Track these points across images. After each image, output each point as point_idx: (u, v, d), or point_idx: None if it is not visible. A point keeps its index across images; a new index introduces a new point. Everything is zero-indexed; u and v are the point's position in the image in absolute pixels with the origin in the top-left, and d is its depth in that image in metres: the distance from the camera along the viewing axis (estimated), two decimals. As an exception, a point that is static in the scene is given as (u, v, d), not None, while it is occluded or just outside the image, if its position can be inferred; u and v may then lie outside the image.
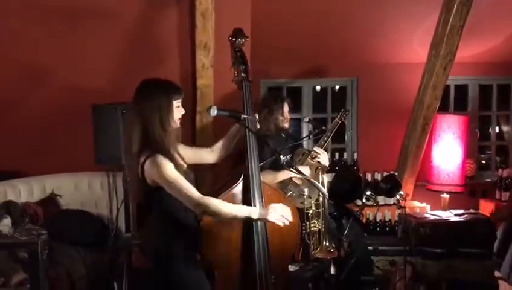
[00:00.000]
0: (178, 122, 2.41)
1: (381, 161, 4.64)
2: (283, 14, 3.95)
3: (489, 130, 5.26)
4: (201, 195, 2.25)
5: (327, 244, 3.04)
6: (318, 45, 4.33)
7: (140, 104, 2.33)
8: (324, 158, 3.33)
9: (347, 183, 1.99)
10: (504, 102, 5.04)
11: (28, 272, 2.50)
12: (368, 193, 2.15)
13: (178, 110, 2.38)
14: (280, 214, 2.34)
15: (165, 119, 2.31)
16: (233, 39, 2.67)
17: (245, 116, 2.43)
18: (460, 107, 4.93)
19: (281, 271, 2.57)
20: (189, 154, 2.54)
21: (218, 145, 2.65)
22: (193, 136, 3.91)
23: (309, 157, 3.30)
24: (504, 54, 4.60)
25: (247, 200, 2.45)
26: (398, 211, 3.39)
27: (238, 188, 2.50)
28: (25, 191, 3.92)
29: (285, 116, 3.43)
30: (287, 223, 2.35)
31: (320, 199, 3.13)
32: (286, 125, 3.46)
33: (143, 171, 2.30)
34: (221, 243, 2.44)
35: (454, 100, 4.88)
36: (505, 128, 5.26)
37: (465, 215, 4.00)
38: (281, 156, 2.21)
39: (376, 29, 4.23)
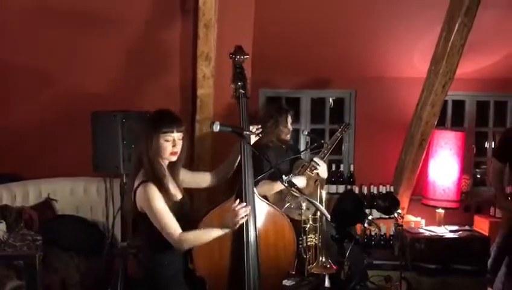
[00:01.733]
0: (171, 157, 2.36)
1: (377, 174, 4.65)
2: (284, 25, 3.96)
3: (485, 146, 5.30)
4: (180, 232, 2.28)
5: (323, 260, 3.03)
6: (317, 56, 4.34)
7: (139, 132, 2.42)
8: (323, 170, 3.34)
9: (350, 206, 2.00)
10: (500, 118, 5.07)
11: (25, 283, 2.49)
12: (370, 217, 2.16)
13: (167, 144, 2.33)
14: (235, 214, 2.28)
15: (149, 151, 2.31)
16: (234, 56, 2.69)
17: (247, 132, 2.44)
18: (456, 122, 4.96)
19: (274, 288, 2.57)
20: (188, 177, 2.56)
21: (220, 168, 2.67)
22: (192, 145, 3.91)
23: (308, 169, 3.31)
24: (502, 71, 4.64)
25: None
26: (393, 228, 3.39)
27: (229, 204, 2.47)
28: (20, 195, 3.90)
29: (289, 127, 3.44)
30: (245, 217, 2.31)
31: (318, 213, 3.13)
32: (288, 137, 3.47)
33: (135, 195, 2.34)
34: (212, 258, 2.45)
35: (451, 115, 4.91)
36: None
37: (460, 232, 4.03)
38: (283, 176, 2.21)
39: (375, 43, 4.26)
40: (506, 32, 4.17)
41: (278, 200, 3.30)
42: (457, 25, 3.53)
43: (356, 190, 4.50)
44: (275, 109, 3.51)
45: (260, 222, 2.53)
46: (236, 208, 2.26)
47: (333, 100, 4.86)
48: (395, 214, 2.76)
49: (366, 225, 2.21)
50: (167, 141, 2.32)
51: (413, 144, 4.19)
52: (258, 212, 2.53)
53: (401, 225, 2.87)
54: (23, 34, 3.56)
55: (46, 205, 3.95)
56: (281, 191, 3.34)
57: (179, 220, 2.31)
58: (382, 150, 4.67)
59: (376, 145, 4.65)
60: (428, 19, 3.96)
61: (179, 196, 2.42)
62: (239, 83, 2.62)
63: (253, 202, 2.50)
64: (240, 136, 2.42)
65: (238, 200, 2.35)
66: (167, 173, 2.39)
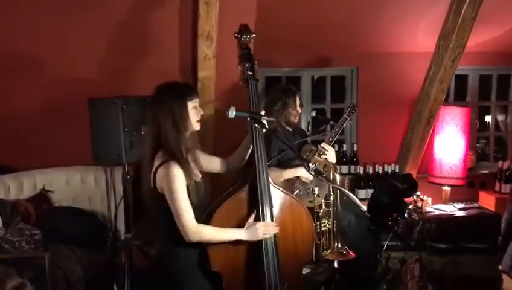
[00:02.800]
0: (197, 125, 2.30)
1: (381, 153, 4.56)
2: (286, 3, 3.78)
3: (485, 120, 5.24)
4: (196, 224, 2.19)
5: (339, 245, 2.94)
6: (318, 34, 4.17)
7: (153, 110, 2.25)
8: (332, 155, 3.23)
9: (386, 197, 1.88)
10: (502, 92, 4.99)
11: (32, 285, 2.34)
12: (410, 207, 2.04)
13: (195, 112, 2.28)
14: (267, 230, 2.27)
15: (179, 121, 2.21)
16: (239, 36, 2.53)
17: (265, 117, 2.29)
18: (458, 97, 4.87)
19: (295, 278, 2.47)
20: (203, 160, 2.42)
21: (234, 156, 2.53)
22: (193, 130, 3.75)
23: (316, 154, 3.19)
24: (506, 45, 4.53)
25: (254, 206, 2.33)
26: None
27: (243, 194, 2.38)
28: (14, 187, 3.72)
29: (297, 109, 3.30)
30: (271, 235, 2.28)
31: (332, 197, 3.02)
32: (297, 119, 3.34)
33: (155, 177, 2.21)
34: (228, 252, 2.31)
35: (454, 90, 4.81)
36: (499, 118, 5.24)
37: (469, 210, 3.97)
38: (310, 164, 2.08)
39: (378, 17, 4.09)
40: (510, 5, 4.05)
41: (286, 188, 3.18)
42: (468, -3, 3.38)
43: (361, 169, 4.41)
44: (281, 91, 3.36)
45: (276, 211, 2.40)
46: (269, 226, 2.23)
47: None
48: (414, 197, 2.65)
49: (406, 215, 2.10)
50: (195, 108, 2.26)
51: (421, 121, 4.08)
52: (274, 202, 2.40)
53: (421, 208, 2.77)
54: (14, 20, 3.32)
55: (42, 197, 3.77)
56: (289, 179, 3.23)
57: (195, 204, 2.22)
58: (385, 128, 4.56)
59: (379, 123, 4.53)
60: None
61: (199, 175, 2.31)
62: (247, 64, 2.47)
63: (269, 191, 2.36)
64: (258, 123, 2.27)
65: (267, 217, 2.26)
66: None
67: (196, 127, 2.29)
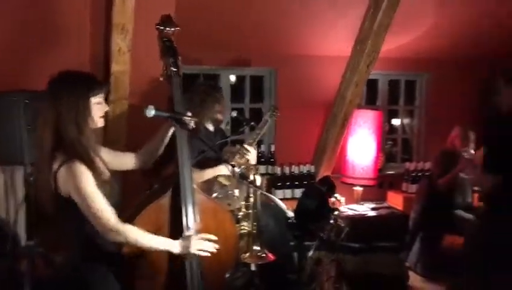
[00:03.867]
0: (101, 121, 2.15)
1: (297, 154, 4.61)
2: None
3: (392, 123, 5.51)
4: (117, 220, 2.02)
5: (258, 248, 2.89)
6: (238, 33, 4.12)
7: (53, 101, 2.05)
8: (253, 156, 3.20)
9: (313, 203, 1.85)
10: (409, 96, 5.27)
11: None
12: (336, 213, 2.03)
13: (99, 108, 2.12)
14: (204, 246, 2.16)
15: (81, 118, 2.04)
16: (161, 28, 2.39)
17: (188, 117, 2.17)
18: (369, 101, 5.06)
19: (218, 286, 2.41)
20: (110, 158, 2.26)
21: (145, 149, 2.39)
22: (104, 128, 3.50)
23: (237, 155, 3.13)
24: (413, 51, 4.78)
25: (177, 213, 2.22)
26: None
27: (166, 199, 2.26)
28: None
29: (223, 109, 3.21)
30: (209, 254, 2.19)
31: (251, 199, 2.97)
32: (221, 117, 3.25)
33: (56, 179, 2.02)
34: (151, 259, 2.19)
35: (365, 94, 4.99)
36: (406, 122, 5.53)
37: (380, 210, 4.13)
38: (236, 168, 2.00)
39: (297, 20, 4.13)
40: (418, 14, 4.26)
41: (204, 190, 3.09)
42: (384, 4, 3.49)
43: (278, 170, 4.42)
44: (207, 88, 3.25)
45: (199, 217, 2.29)
46: (206, 243, 2.12)
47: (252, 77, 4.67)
48: (333, 199, 2.68)
49: (332, 221, 2.09)
50: (99, 103, 2.11)
51: (336, 123, 4.18)
52: (197, 207, 2.29)
53: (338, 209, 2.81)
54: None
55: None
56: (208, 180, 3.14)
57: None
58: (302, 129, 4.62)
59: (296, 124, 4.58)
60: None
61: (107, 174, 2.15)
62: (170, 59, 2.34)
63: (193, 196, 2.25)
64: (179, 123, 2.15)
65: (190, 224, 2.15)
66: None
67: (99, 123, 2.15)
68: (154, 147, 2.38)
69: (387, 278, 3.82)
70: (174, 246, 2.12)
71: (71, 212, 2.06)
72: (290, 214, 2.09)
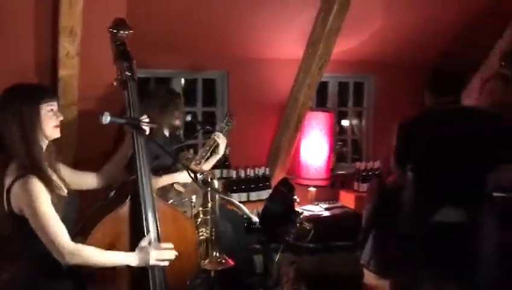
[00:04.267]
0: (55, 131, 2.05)
1: (251, 157, 4.61)
2: (157, 2, 3.60)
3: (341, 124, 5.63)
4: (73, 244, 1.93)
5: (217, 254, 2.86)
6: (189, 35, 4.07)
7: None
8: (208, 164, 3.20)
9: (279, 208, 1.84)
10: (357, 98, 5.40)
11: None
12: (302, 216, 2.03)
13: (51, 116, 2.02)
14: (163, 255, 2.10)
15: (29, 129, 1.94)
16: (114, 31, 2.32)
17: (144, 123, 2.11)
18: (320, 102, 5.14)
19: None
20: (69, 177, 2.15)
21: (107, 168, 2.30)
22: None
23: (193, 162, 3.09)
24: (361, 54, 4.90)
25: (137, 222, 2.15)
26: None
27: (125, 209, 2.18)
28: None
29: (179, 114, 3.16)
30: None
31: (209, 205, 2.94)
32: (179, 123, 3.19)
33: (9, 197, 1.90)
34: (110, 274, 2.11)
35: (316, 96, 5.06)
36: (354, 123, 5.66)
37: (334, 210, 4.20)
38: (198, 175, 1.97)
39: (249, 24, 4.13)
40: (366, 18, 4.37)
41: (159, 197, 3.04)
42: (335, 7, 3.55)
43: (233, 173, 4.40)
44: (164, 94, 3.18)
45: (160, 225, 2.23)
46: (165, 253, 2.05)
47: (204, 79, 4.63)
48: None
49: (298, 224, 2.08)
50: (50, 111, 2.00)
51: (290, 125, 4.21)
52: (157, 216, 2.23)
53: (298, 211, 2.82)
54: None
55: None
56: (163, 187, 3.08)
57: (63, 222, 1.95)
58: (256, 132, 4.62)
59: (250, 127, 4.56)
60: (301, 1, 3.95)
61: (64, 190, 2.05)
62: (124, 64, 2.27)
63: (154, 204, 2.19)
64: (136, 129, 2.08)
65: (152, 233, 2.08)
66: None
67: (53, 134, 2.04)
68: (117, 166, 2.30)
69: (344, 277, 3.90)
70: (132, 259, 2.05)
71: (26, 230, 1.94)
72: (255, 219, 2.07)
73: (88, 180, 2.26)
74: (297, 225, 2.13)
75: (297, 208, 2.82)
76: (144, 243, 2.08)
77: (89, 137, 3.51)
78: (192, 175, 1.97)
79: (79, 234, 2.12)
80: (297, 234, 2.33)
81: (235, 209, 3.99)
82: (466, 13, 4.57)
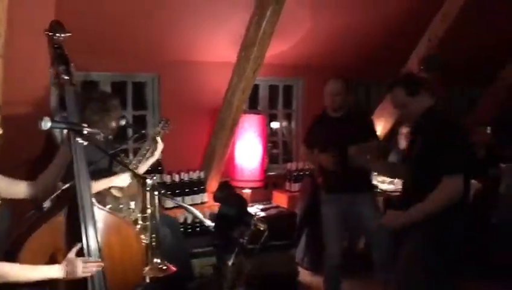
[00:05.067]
0: None
1: (185, 161, 4.57)
2: (84, 2, 3.48)
3: (271, 126, 5.73)
4: None
5: (158, 261, 2.81)
6: (119, 38, 3.97)
7: None
8: (143, 169, 3.15)
9: (233, 210, 1.85)
10: (286, 101, 5.53)
11: None
12: (256, 217, 2.04)
13: None
14: (87, 267, 2.02)
15: None
16: (51, 34, 2.23)
17: (88, 129, 2.03)
18: (251, 105, 5.21)
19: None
20: (2, 186, 2.03)
21: (43, 177, 2.18)
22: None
23: (129, 166, 3.01)
24: (290, 58, 5.03)
25: (76, 231, 2.07)
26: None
27: (61, 218, 2.09)
28: None
29: (116, 117, 3.06)
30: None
31: (148, 211, 2.88)
32: (115, 126, 3.09)
33: None
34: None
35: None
36: (284, 124, 5.80)
37: (270, 210, 4.27)
38: (148, 179, 1.92)
39: (179, 26, 4.10)
40: (295, 23, 4.50)
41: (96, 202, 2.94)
42: (269, 12, 3.62)
43: (167, 178, 4.34)
44: (100, 97, 3.07)
45: (102, 235, 2.16)
46: (91, 263, 1.97)
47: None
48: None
49: (252, 226, 2.09)
50: None
51: (224, 128, 4.22)
52: (98, 224, 2.15)
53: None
54: None
55: None
56: (99, 192, 2.98)
57: None
58: (189, 136, 4.58)
59: (183, 131, 4.49)
60: (232, 5, 3.98)
61: None
62: (61, 67, 2.18)
63: (93, 213, 2.11)
64: (79, 134, 2.00)
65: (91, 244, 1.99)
66: None
67: None
68: (54, 174, 2.18)
69: (281, 276, 3.97)
70: (56, 273, 1.96)
71: None
72: (208, 222, 2.06)
73: (21, 190, 2.14)
74: (252, 226, 2.14)
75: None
76: (71, 254, 2.00)
77: (14, 144, 3.30)
78: (135, 177, 1.91)
79: (12, 247, 2.00)
80: (252, 235, 2.34)
81: (170, 214, 3.96)
82: (385, 20, 4.85)
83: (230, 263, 2.15)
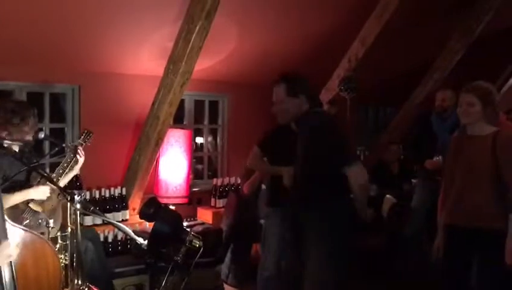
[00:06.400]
0: None
1: (105, 176, 4.40)
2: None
3: (195, 141, 5.68)
4: None
5: (79, 282, 2.65)
6: (36, 47, 3.76)
7: None
8: (64, 182, 2.99)
9: (167, 227, 1.78)
10: (212, 116, 5.51)
11: None
12: (191, 234, 1.97)
13: None
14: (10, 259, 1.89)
15: None
16: None
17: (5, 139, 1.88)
18: (175, 120, 5.13)
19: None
20: None
21: None
22: None
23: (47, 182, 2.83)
24: (215, 74, 5.04)
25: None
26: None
27: None
28: None
29: (31, 128, 2.87)
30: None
31: (69, 229, 2.71)
32: (30, 138, 2.89)
33: None
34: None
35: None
36: (209, 140, 5.77)
37: (195, 227, 4.20)
38: (76, 196, 1.80)
39: (101, 37, 3.96)
40: (222, 40, 4.52)
41: (13, 217, 2.72)
42: (197, 27, 3.60)
43: (87, 195, 4.13)
44: (13, 106, 2.86)
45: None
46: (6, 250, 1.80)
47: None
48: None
49: (188, 243, 2.02)
50: None
51: (149, 143, 4.11)
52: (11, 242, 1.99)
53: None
54: None
55: None
56: (17, 206, 2.78)
57: None
58: (110, 150, 4.41)
59: (103, 145, 4.33)
60: (156, 18, 3.91)
61: None
62: None
63: (5, 230, 1.95)
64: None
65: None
66: None
67: None
68: None
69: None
70: None
71: None
72: (140, 240, 1.97)
73: None
74: (187, 243, 2.08)
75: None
76: None
77: None
78: (61, 193, 1.79)
79: None
80: (187, 252, 2.27)
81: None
82: (309, 39, 5.03)
83: (163, 282, 2.07)
